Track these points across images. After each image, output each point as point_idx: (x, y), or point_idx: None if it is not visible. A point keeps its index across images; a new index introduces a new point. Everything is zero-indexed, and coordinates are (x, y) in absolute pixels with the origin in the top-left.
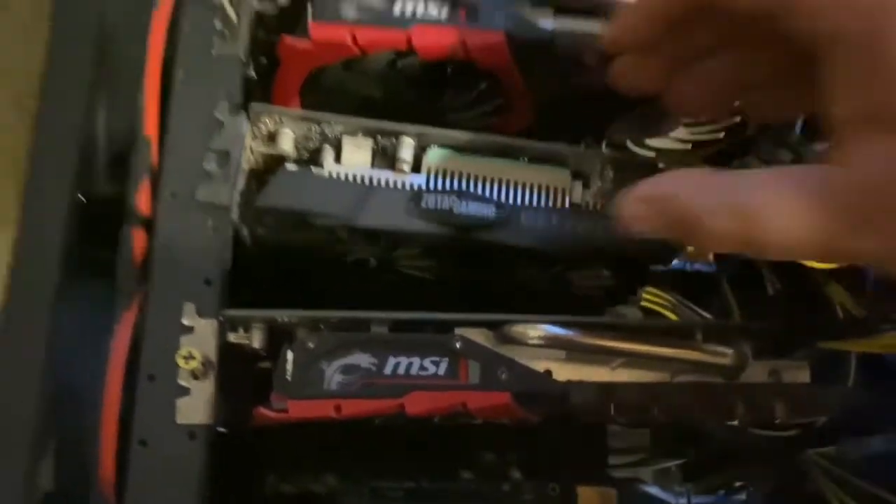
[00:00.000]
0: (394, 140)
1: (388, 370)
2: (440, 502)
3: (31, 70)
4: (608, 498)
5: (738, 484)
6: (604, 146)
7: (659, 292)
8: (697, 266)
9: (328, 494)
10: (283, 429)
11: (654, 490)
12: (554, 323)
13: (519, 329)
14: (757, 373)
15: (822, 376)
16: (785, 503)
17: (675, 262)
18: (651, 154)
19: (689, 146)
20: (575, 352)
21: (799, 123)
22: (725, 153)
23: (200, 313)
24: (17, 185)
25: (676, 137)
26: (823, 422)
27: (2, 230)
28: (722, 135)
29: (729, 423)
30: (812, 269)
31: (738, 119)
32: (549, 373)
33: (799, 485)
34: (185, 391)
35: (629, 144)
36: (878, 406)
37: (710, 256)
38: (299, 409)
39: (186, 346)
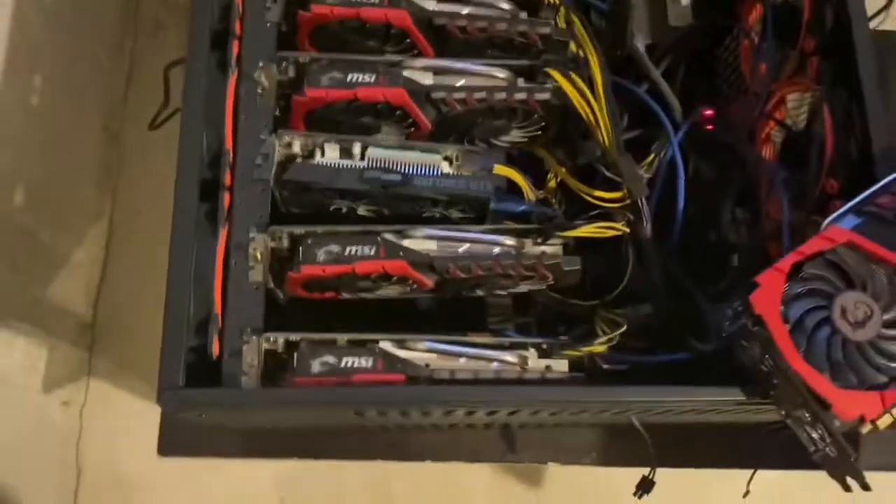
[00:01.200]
0: (349, 145)
1: (346, 252)
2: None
3: (115, 101)
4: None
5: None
6: (477, 142)
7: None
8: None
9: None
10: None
11: (512, 334)
12: (431, 228)
13: (412, 231)
14: (534, 250)
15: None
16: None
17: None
18: (507, 146)
19: (527, 139)
20: (442, 241)
21: None
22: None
23: (258, 230)
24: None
25: (519, 135)
26: (616, 293)
27: (96, 221)
28: (540, 132)
29: (524, 281)
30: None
31: (542, 124)
32: (427, 252)
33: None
34: (251, 267)
35: (492, 140)
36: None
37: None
38: (307, 271)
39: (252, 246)
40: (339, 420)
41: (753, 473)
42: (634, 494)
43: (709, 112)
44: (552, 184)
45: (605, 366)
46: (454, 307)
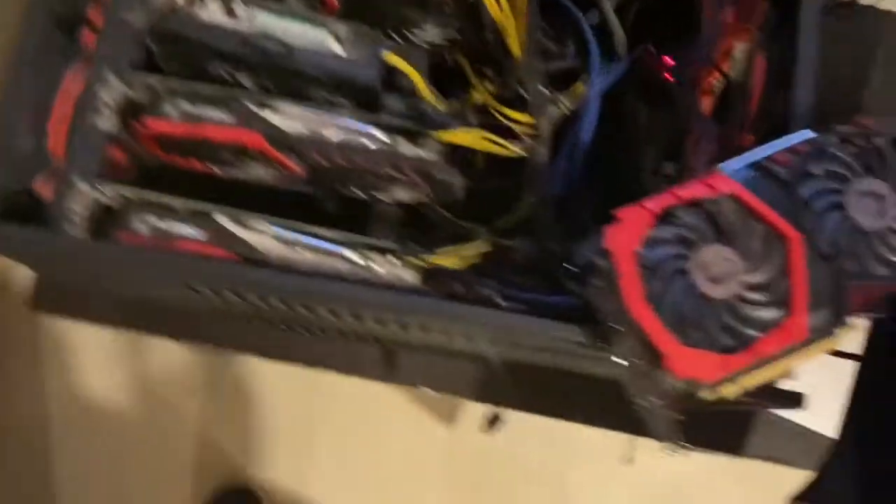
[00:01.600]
0: (233, 3)
1: (200, 113)
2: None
3: None
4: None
5: None
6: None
7: None
8: None
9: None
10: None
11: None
12: (296, 105)
13: (275, 104)
14: (406, 149)
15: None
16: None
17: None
18: (425, 46)
19: (447, 43)
20: (306, 121)
21: None
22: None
23: (116, 76)
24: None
25: (437, 35)
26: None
27: None
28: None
29: (395, 184)
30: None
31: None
32: (288, 130)
33: None
34: (100, 113)
35: (408, 35)
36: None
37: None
38: (153, 125)
39: (105, 90)
40: (177, 293)
41: (636, 440)
42: (483, 430)
43: (667, 59)
44: (472, 99)
45: (503, 303)
46: (345, 213)
